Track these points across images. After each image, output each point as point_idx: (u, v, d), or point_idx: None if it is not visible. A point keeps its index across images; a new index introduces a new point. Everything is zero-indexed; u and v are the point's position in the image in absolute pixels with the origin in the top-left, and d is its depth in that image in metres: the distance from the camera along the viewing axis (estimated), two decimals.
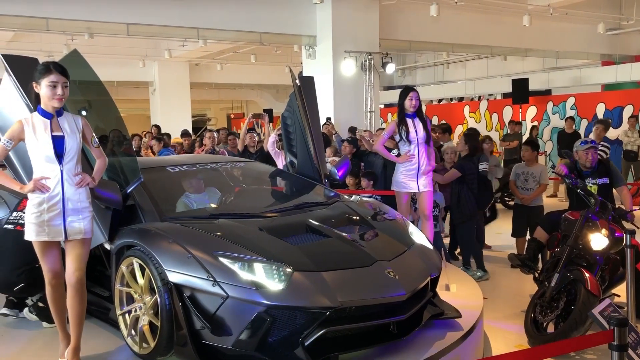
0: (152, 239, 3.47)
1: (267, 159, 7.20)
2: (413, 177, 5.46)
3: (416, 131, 5.42)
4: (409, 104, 5.40)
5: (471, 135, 6.68)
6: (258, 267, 3.21)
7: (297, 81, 5.13)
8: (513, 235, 6.93)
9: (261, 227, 3.70)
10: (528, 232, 6.49)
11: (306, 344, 3.12)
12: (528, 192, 6.70)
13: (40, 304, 4.14)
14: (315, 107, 5.34)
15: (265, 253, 3.33)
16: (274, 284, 3.15)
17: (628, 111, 13.64)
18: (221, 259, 3.24)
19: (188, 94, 19.48)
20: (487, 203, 6.31)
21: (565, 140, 12.32)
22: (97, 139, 3.50)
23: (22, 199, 4.06)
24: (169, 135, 11.72)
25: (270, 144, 7.02)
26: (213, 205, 4.47)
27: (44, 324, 4.13)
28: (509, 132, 14.08)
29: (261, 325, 3.10)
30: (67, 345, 3.42)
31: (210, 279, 3.16)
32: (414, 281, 3.55)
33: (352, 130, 10.59)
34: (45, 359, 3.58)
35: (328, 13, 11.69)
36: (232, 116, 29.89)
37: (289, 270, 3.22)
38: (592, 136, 8.26)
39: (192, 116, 20.93)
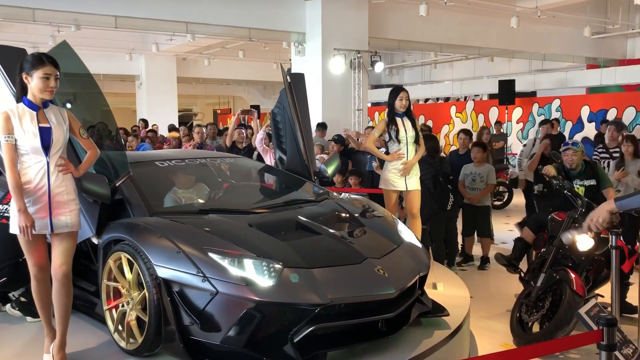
0: (141, 234, 3.43)
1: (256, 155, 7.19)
2: (401, 175, 5.48)
3: (405, 130, 5.44)
4: (399, 104, 5.42)
5: (429, 136, 6.78)
6: (248, 263, 3.19)
7: (288, 78, 5.11)
8: (462, 234, 7.05)
9: (251, 223, 3.68)
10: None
11: (295, 340, 3.11)
12: (475, 192, 6.85)
13: (23, 299, 4.08)
14: (306, 104, 5.33)
15: (256, 249, 3.31)
16: (264, 281, 3.13)
17: (612, 114, 13.83)
18: (211, 254, 3.21)
19: (175, 89, 19.33)
20: (446, 203, 6.43)
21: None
22: (85, 130, 3.45)
23: (7, 192, 3.99)
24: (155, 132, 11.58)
25: (258, 140, 6.99)
26: (202, 201, 4.44)
27: (28, 318, 4.07)
28: (494, 132, 14.19)
29: (250, 322, 3.09)
30: (53, 340, 3.37)
31: (200, 274, 3.14)
32: (403, 279, 3.56)
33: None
34: (30, 354, 3.53)
35: (318, 10, 11.67)
36: (218, 112, 29.77)
37: (278, 266, 3.21)
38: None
39: (179, 111, 20.80)
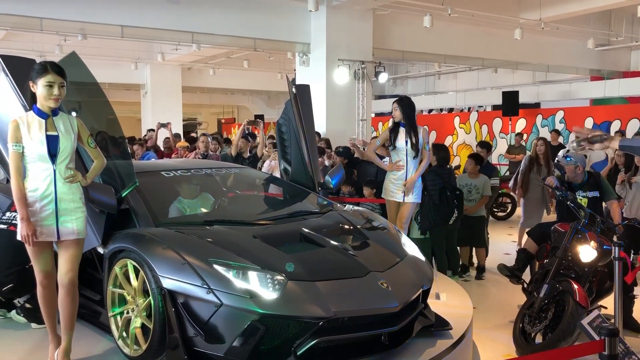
0: (147, 245, 3.46)
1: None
2: (400, 186, 5.52)
3: (406, 141, 5.48)
4: (393, 114, 5.56)
5: (439, 146, 6.79)
6: (252, 275, 3.21)
7: (293, 89, 5.15)
8: (458, 243, 7.09)
9: (255, 235, 3.70)
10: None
11: (298, 353, 3.12)
12: (471, 204, 6.87)
13: (28, 305, 4.11)
14: (311, 115, 5.38)
15: (260, 261, 3.33)
16: (268, 293, 3.15)
17: (615, 126, 13.83)
18: (216, 266, 3.23)
19: (180, 98, 19.43)
20: (449, 218, 6.42)
21: (551, 152, 12.40)
22: (93, 140, 3.50)
23: None
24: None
25: (266, 169, 7.16)
26: (207, 211, 4.46)
27: (33, 325, 4.09)
28: (513, 144, 13.99)
29: (254, 334, 3.10)
30: (57, 346, 3.41)
31: (205, 286, 3.15)
32: (406, 293, 3.56)
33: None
34: None
35: (322, 21, 11.74)
36: (223, 121, 29.87)
37: (282, 279, 3.23)
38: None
39: (183, 120, 20.89)
